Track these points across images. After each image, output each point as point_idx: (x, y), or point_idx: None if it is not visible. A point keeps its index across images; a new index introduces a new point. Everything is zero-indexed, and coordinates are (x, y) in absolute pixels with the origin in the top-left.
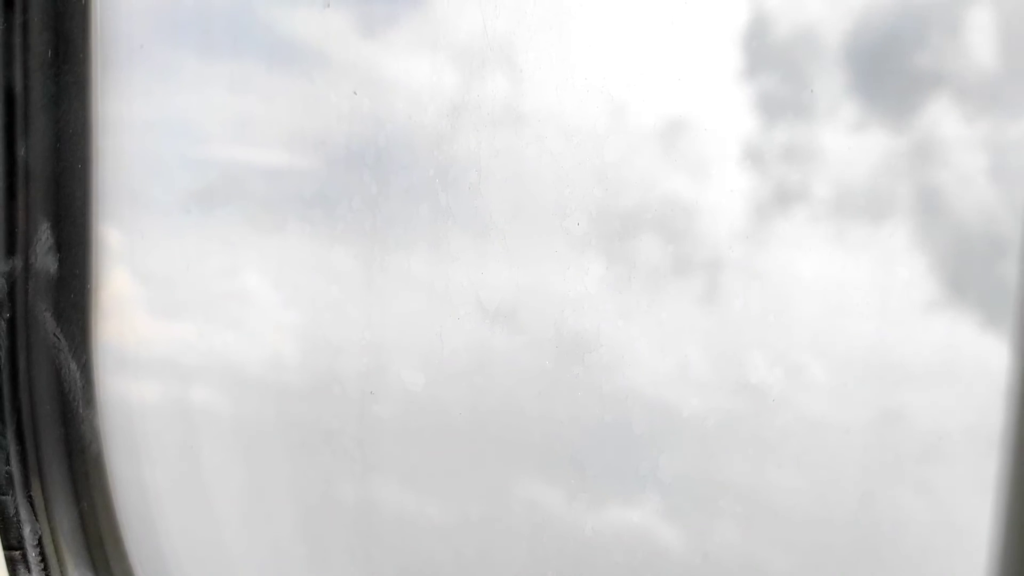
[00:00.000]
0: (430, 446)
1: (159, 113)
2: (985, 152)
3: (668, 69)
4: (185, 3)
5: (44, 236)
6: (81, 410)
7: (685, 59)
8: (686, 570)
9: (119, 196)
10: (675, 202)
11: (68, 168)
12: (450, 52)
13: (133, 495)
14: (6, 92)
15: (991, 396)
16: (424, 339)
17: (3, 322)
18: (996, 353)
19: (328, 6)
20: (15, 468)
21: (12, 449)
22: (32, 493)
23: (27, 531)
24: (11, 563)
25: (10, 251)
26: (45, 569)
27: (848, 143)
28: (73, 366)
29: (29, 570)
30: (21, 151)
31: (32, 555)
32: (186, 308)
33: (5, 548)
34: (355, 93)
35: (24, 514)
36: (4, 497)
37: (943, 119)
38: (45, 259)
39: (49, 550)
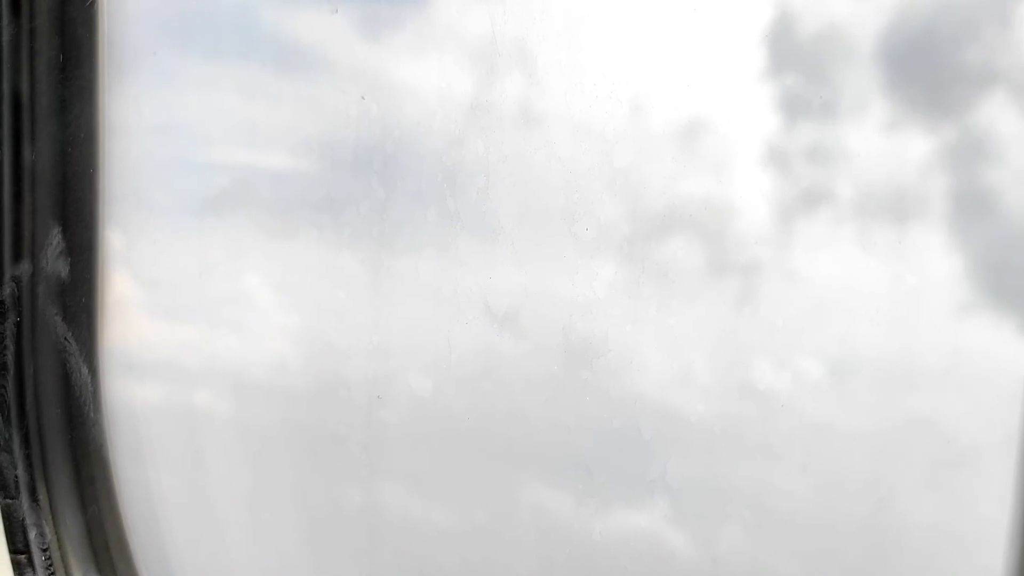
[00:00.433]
0: (437, 451)
1: (167, 117)
2: None
3: (683, 70)
4: (192, 8)
5: (55, 240)
6: (90, 414)
7: (703, 59)
8: None
9: (128, 200)
10: (685, 206)
11: (78, 172)
12: (458, 56)
13: (139, 499)
14: (14, 97)
15: (1014, 401)
16: (432, 344)
17: (12, 326)
18: None
19: (336, 11)
20: (22, 472)
21: (19, 453)
22: (39, 497)
23: (33, 535)
24: (17, 567)
25: (18, 255)
26: (51, 573)
27: (878, 143)
28: (83, 370)
29: (35, 574)
30: (29, 156)
31: (38, 559)
32: (194, 312)
33: (11, 552)
34: (363, 98)
35: (30, 518)
36: (11, 501)
37: (994, 116)
38: (56, 263)
39: (55, 554)
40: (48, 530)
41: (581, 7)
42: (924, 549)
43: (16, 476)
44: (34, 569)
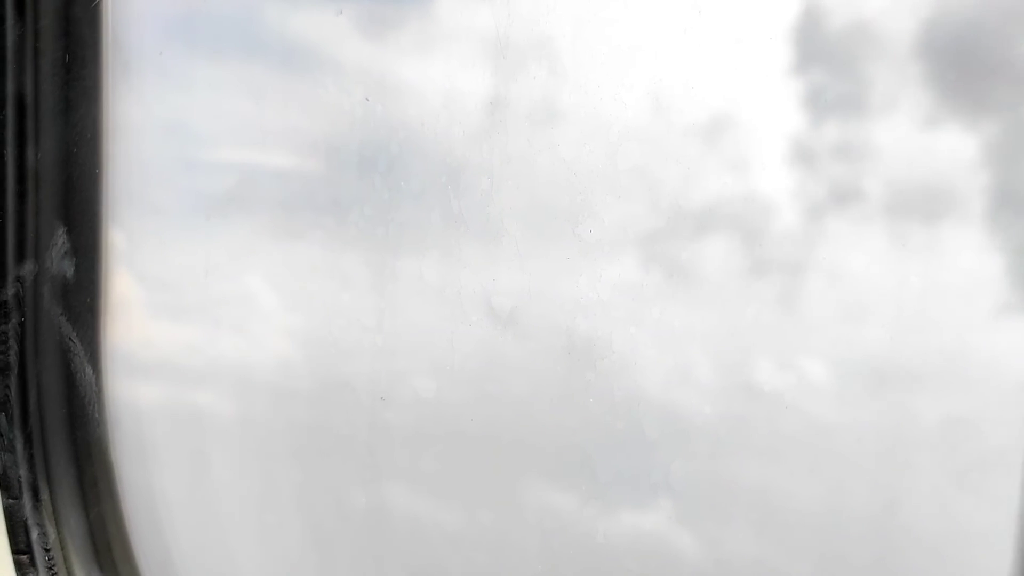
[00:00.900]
0: (441, 452)
1: (172, 118)
2: None
3: (705, 65)
4: (197, 9)
5: (59, 241)
6: (94, 415)
7: (727, 54)
8: None
9: (133, 200)
10: (688, 209)
11: (83, 173)
12: (463, 57)
13: (142, 500)
14: (19, 97)
15: None
16: (435, 345)
17: (15, 326)
18: None
19: (341, 13)
20: (25, 472)
21: (22, 453)
22: (41, 497)
23: (36, 535)
24: (19, 567)
25: (22, 256)
26: (54, 574)
27: (915, 139)
28: (88, 370)
29: (38, 574)
30: (34, 156)
31: (41, 559)
32: (198, 313)
33: (14, 552)
34: (367, 100)
35: (33, 518)
36: (14, 501)
37: None
38: (60, 264)
39: (58, 554)
40: (51, 530)
41: (592, 2)
42: (931, 550)
43: (19, 476)
44: (36, 569)
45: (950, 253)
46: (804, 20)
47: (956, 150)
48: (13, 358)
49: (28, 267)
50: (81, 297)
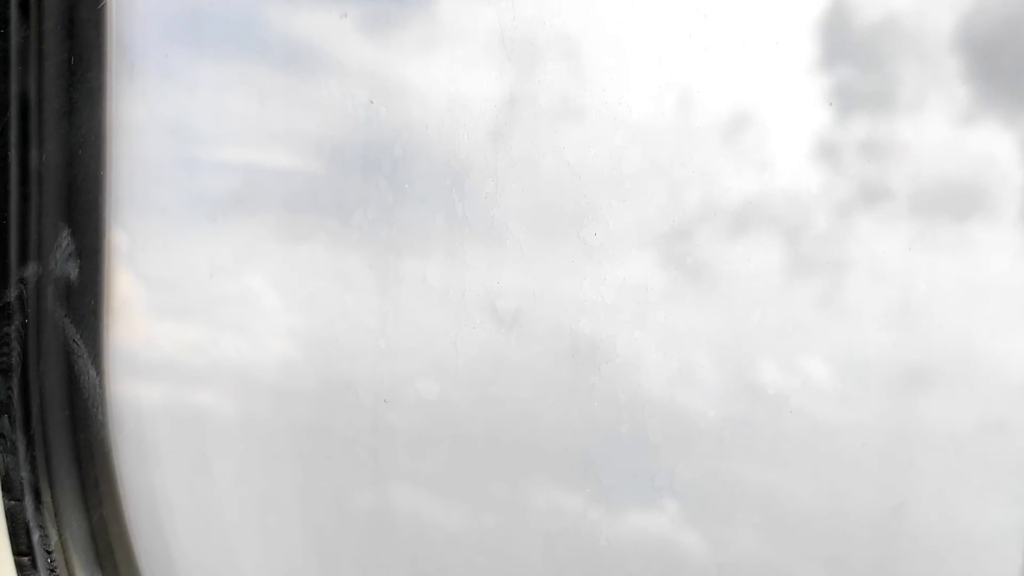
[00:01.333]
0: (444, 455)
1: (176, 119)
2: None
3: (728, 61)
4: (202, 10)
5: (63, 242)
6: (97, 417)
7: (750, 50)
8: None
9: (137, 201)
10: (691, 212)
11: (87, 175)
12: (468, 60)
13: (145, 502)
14: (23, 99)
15: None
16: (439, 348)
17: (18, 328)
18: None
19: (345, 16)
20: (27, 474)
21: (24, 455)
22: (43, 499)
23: (37, 537)
24: (20, 568)
25: (25, 257)
26: (55, 575)
27: (950, 136)
28: (91, 372)
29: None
30: (38, 158)
31: (42, 561)
32: (201, 314)
33: (15, 554)
34: (371, 102)
35: (35, 520)
36: (15, 502)
37: None
38: (64, 265)
39: (59, 556)
40: (52, 532)
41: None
42: (935, 553)
43: (21, 478)
44: (38, 571)
45: (981, 253)
46: (831, 15)
47: (993, 147)
48: (16, 360)
49: (32, 269)
50: (84, 299)
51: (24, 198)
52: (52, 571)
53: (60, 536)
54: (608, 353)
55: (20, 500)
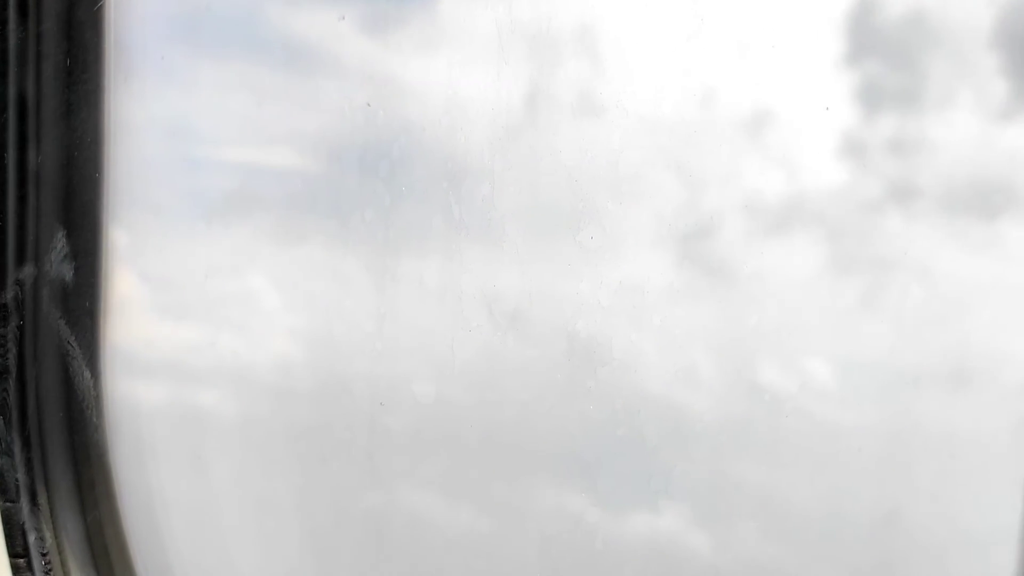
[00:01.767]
0: (441, 457)
1: (175, 119)
2: None
3: (751, 56)
4: (199, 13)
5: (60, 244)
6: (93, 418)
7: (774, 44)
8: None
9: (133, 202)
10: (689, 215)
11: (84, 176)
12: (465, 65)
13: (141, 504)
14: (21, 100)
15: None
16: (436, 351)
17: (14, 329)
18: None
19: (343, 19)
20: (22, 475)
21: (20, 456)
22: (39, 501)
23: (32, 539)
24: (16, 570)
25: (21, 259)
26: None
27: (983, 133)
28: (87, 374)
29: None
30: (35, 159)
31: (37, 563)
32: (199, 315)
33: (10, 555)
34: (368, 105)
35: (30, 522)
36: (11, 504)
37: None
38: (60, 267)
39: (55, 559)
40: (48, 534)
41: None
42: (936, 554)
43: (17, 480)
44: (33, 573)
45: (1013, 252)
46: (858, 9)
47: None
48: (12, 361)
49: (28, 270)
50: (80, 301)
51: (21, 199)
52: (47, 573)
53: (56, 538)
54: (605, 357)
55: (16, 501)
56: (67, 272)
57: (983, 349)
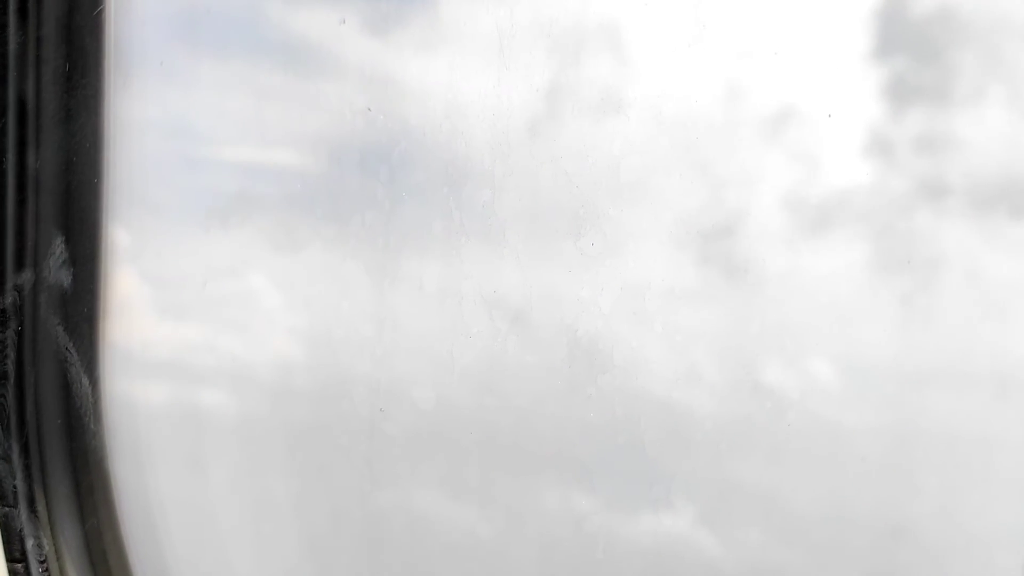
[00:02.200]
0: (440, 461)
1: (176, 120)
2: None
3: (777, 51)
4: (199, 18)
5: (58, 250)
6: (91, 424)
7: (799, 39)
8: None
9: (134, 204)
10: (690, 218)
11: (83, 181)
12: (466, 68)
13: (139, 511)
14: (20, 105)
15: None
16: (435, 357)
17: (13, 335)
18: None
19: (344, 22)
20: (20, 481)
21: (18, 462)
22: (37, 507)
23: (30, 544)
24: (14, 575)
25: (20, 264)
26: None
27: (1015, 130)
28: (85, 380)
29: None
30: (34, 164)
31: (35, 569)
32: (198, 320)
33: (8, 560)
34: (369, 110)
35: (28, 528)
36: (9, 509)
37: None
38: (58, 272)
39: (53, 565)
40: (46, 540)
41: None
42: (939, 556)
43: (14, 485)
44: None
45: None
46: (886, 4)
47: None
48: (10, 367)
49: (26, 275)
50: (79, 306)
51: (20, 204)
52: None
53: (54, 544)
54: (606, 363)
55: (14, 507)
56: (66, 277)
57: (1020, 351)
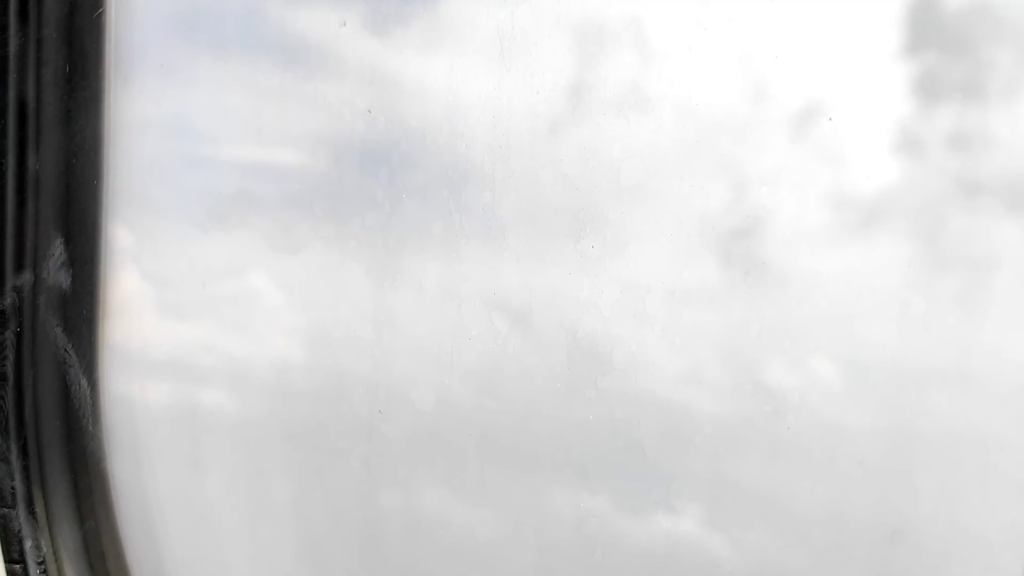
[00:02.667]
0: (440, 463)
1: (176, 119)
2: None
3: (802, 49)
4: (199, 21)
5: (58, 251)
6: (90, 426)
7: (827, 37)
8: None
9: (134, 204)
10: (691, 220)
11: (82, 183)
12: (466, 71)
13: (137, 510)
14: (20, 106)
15: None
16: (435, 358)
17: (12, 336)
18: None
19: (344, 24)
20: (19, 483)
21: (17, 464)
22: (35, 509)
23: (29, 545)
24: None
25: (19, 265)
26: None
27: None
28: (84, 381)
29: None
30: (33, 165)
31: (34, 571)
32: (198, 320)
33: (7, 562)
34: (369, 111)
35: (26, 530)
36: (7, 511)
37: None
38: (58, 274)
39: (51, 567)
40: (44, 542)
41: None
42: (941, 557)
43: (13, 487)
44: None
45: None
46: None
47: None
48: (9, 368)
49: (26, 276)
50: (78, 307)
51: (20, 205)
52: None
53: (52, 545)
54: (606, 366)
55: (12, 508)
56: (65, 278)
57: None
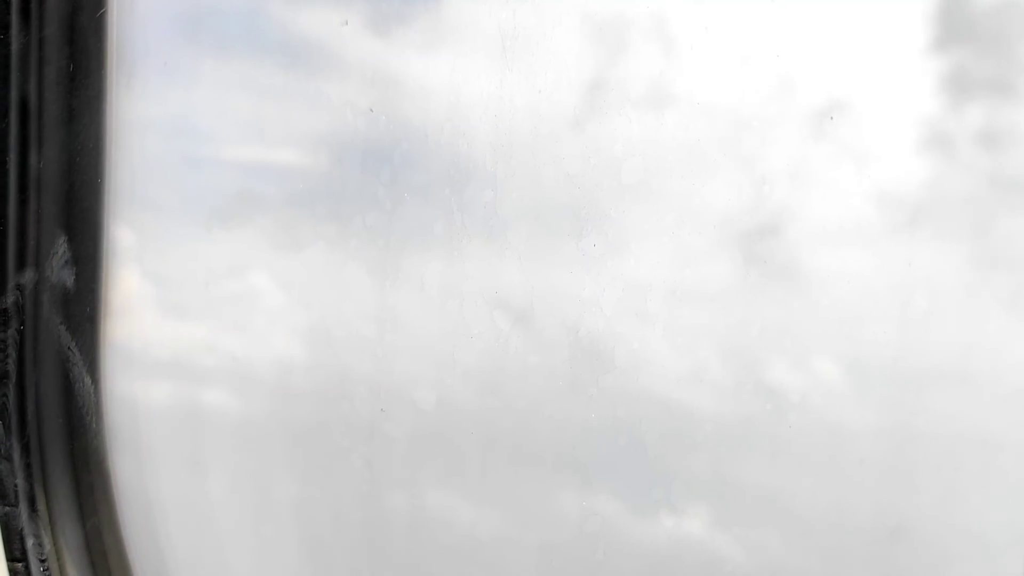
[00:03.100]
0: (441, 464)
1: (178, 120)
2: None
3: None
4: (200, 19)
5: (61, 249)
6: (92, 424)
7: (851, 35)
8: None
9: (136, 203)
10: (693, 219)
11: (85, 181)
12: (468, 70)
13: (139, 508)
14: (23, 105)
15: None
16: (437, 357)
17: (14, 334)
18: None
19: (346, 24)
20: (21, 481)
21: (19, 462)
22: (38, 507)
23: (31, 544)
24: (14, 575)
25: (22, 263)
26: None
27: None
28: (87, 379)
29: None
30: (36, 163)
31: (36, 568)
32: (200, 319)
33: (8, 559)
34: (371, 110)
35: (29, 527)
36: (10, 508)
37: None
38: (61, 272)
39: (53, 564)
40: (47, 540)
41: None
42: (941, 551)
43: (15, 485)
44: None
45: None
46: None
47: None
48: (12, 366)
49: (29, 275)
50: (81, 306)
51: (22, 204)
52: None
53: (54, 543)
54: (607, 365)
55: (14, 506)
56: (68, 277)
57: None
